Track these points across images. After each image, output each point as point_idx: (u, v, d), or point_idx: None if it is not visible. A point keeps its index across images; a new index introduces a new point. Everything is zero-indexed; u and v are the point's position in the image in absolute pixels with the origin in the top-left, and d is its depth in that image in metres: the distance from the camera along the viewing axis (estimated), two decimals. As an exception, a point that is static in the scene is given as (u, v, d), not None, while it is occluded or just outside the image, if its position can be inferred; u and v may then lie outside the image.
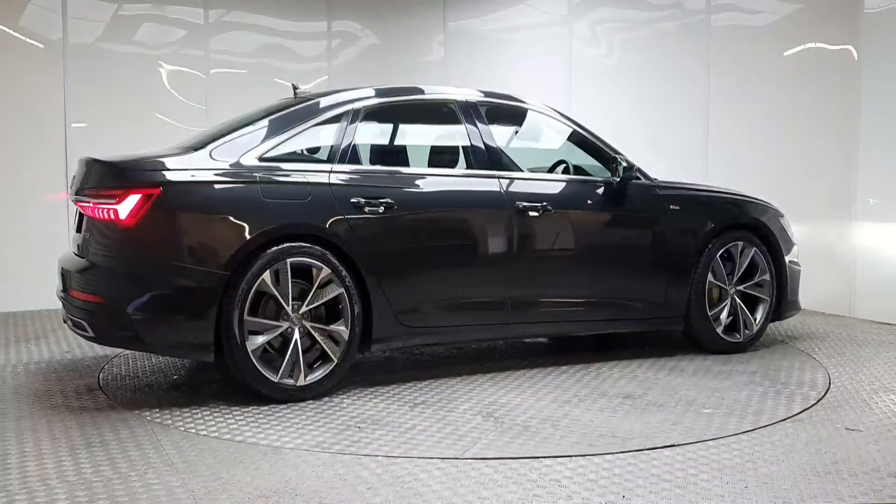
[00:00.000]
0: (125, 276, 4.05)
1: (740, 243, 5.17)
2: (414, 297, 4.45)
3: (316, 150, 4.58)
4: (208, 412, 3.99)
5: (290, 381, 4.10)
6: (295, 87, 5.15)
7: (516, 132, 5.32)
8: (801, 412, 3.95)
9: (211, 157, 4.22)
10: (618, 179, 4.96)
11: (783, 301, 5.35)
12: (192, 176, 4.11)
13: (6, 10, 7.13)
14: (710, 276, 5.08)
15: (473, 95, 4.98)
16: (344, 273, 4.20)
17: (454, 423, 3.80)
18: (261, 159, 4.27)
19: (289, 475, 3.14)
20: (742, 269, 5.19)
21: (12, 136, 7.12)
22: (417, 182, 4.62)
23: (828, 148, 6.51)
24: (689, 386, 4.44)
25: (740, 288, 5.20)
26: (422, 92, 5.04)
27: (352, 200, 4.30)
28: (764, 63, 6.83)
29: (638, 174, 5.07)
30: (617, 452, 3.39)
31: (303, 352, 4.14)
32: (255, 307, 4.08)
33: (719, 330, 5.13)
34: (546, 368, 4.83)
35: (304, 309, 4.14)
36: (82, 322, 4.12)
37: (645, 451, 3.40)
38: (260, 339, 4.06)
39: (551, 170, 5.28)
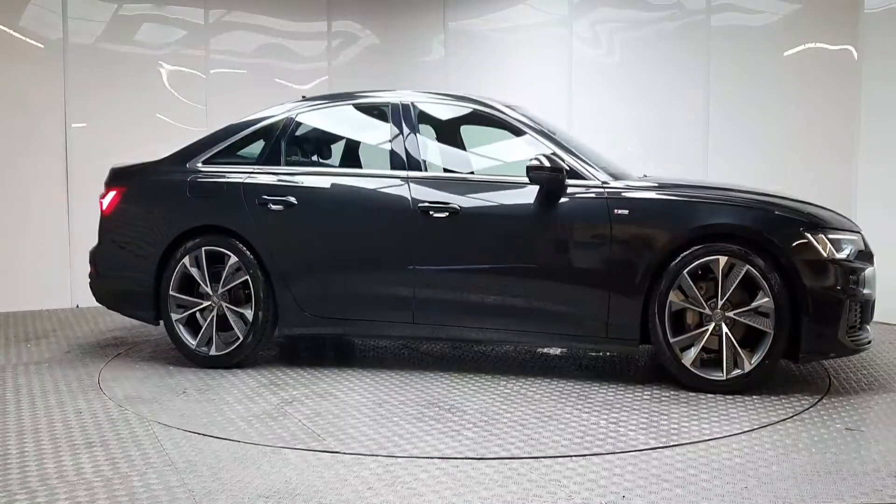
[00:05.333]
0: (103, 253, 5.20)
1: (722, 258, 4.18)
2: (315, 289, 4.81)
3: (252, 153, 5.12)
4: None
5: (205, 349, 4.89)
6: (304, 98, 5.34)
7: (453, 133, 5.28)
8: (801, 412, 3.96)
9: (174, 161, 5.13)
10: (527, 180, 4.46)
11: (803, 336, 4.14)
12: (150, 177, 5.15)
13: (6, 10, 7.13)
14: (675, 297, 4.25)
15: (408, 98, 4.98)
16: (250, 261, 4.80)
17: (246, 405, 4.13)
18: (204, 163, 5.07)
19: (289, 475, 3.15)
20: (729, 291, 4.19)
21: (12, 137, 7.13)
22: (322, 182, 4.88)
23: (828, 148, 6.51)
24: (525, 413, 3.93)
25: (730, 314, 4.22)
26: (356, 97, 5.25)
27: (259, 198, 4.85)
28: (764, 63, 6.83)
29: (587, 173, 4.48)
30: (617, 452, 3.39)
31: (227, 328, 4.89)
32: (190, 286, 4.93)
33: (687, 362, 4.25)
34: (431, 373, 4.74)
35: (220, 290, 4.86)
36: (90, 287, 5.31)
37: (645, 452, 3.40)
38: (182, 311, 4.93)
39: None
